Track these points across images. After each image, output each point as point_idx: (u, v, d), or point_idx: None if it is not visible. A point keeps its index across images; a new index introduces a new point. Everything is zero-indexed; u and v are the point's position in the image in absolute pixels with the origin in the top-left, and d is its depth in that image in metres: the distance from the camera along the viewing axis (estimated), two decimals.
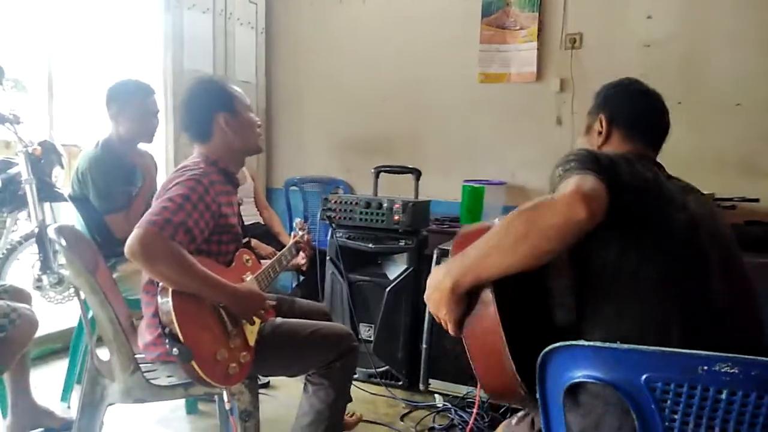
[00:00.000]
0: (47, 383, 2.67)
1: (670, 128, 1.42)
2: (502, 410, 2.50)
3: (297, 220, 2.35)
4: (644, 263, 1.11)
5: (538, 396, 1.06)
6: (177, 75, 3.59)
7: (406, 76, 3.95)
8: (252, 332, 1.75)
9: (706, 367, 0.87)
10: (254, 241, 2.61)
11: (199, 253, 1.69)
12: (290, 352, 1.86)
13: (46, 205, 3.06)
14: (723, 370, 0.86)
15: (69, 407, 2.53)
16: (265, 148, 4.26)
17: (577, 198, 1.01)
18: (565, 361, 0.99)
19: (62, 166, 3.21)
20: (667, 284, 1.11)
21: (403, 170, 3.22)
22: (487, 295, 1.12)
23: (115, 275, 2.25)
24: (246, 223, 2.34)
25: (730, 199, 2.86)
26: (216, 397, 1.90)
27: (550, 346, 1.00)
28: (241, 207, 2.02)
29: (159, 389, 1.72)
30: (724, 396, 0.88)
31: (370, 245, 2.98)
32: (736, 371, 0.85)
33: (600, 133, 1.41)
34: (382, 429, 2.54)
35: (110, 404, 1.76)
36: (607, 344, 0.96)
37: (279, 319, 1.92)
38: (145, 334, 1.75)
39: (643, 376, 0.91)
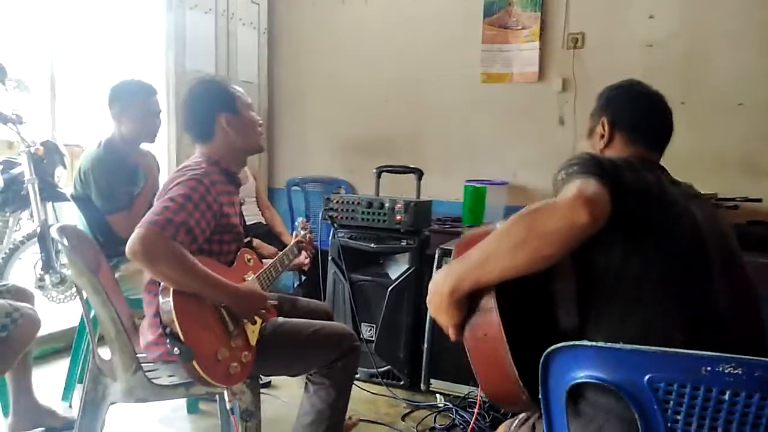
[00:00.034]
0: (49, 382, 2.67)
1: (673, 130, 1.41)
2: (503, 410, 2.49)
3: (299, 220, 2.35)
4: (647, 267, 1.10)
5: (540, 396, 1.05)
6: (179, 75, 3.59)
7: (408, 76, 3.95)
8: (253, 332, 1.75)
9: (709, 368, 0.87)
10: (256, 241, 2.62)
11: (200, 253, 1.69)
12: (292, 352, 1.86)
13: (49, 204, 3.07)
14: (726, 371, 0.86)
15: (70, 406, 2.53)
16: (266, 147, 4.26)
17: (580, 202, 1.00)
18: (568, 361, 0.99)
19: (65, 166, 3.22)
20: (669, 288, 1.10)
21: (405, 170, 3.22)
22: (489, 300, 1.11)
23: (117, 275, 2.25)
24: (248, 223, 2.34)
25: (733, 199, 2.85)
26: (217, 396, 1.90)
27: (553, 347, 0.99)
28: (242, 207, 2.02)
29: (160, 389, 1.72)
30: (727, 397, 0.87)
31: (372, 245, 2.98)
32: (740, 372, 0.85)
33: (602, 136, 1.40)
34: (383, 429, 2.53)
35: (112, 403, 1.76)
36: (609, 344, 0.95)
37: (281, 319, 1.92)
38: (146, 334, 1.75)
39: (646, 377, 0.91)
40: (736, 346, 0.99)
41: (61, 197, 3.11)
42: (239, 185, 1.96)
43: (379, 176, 3.22)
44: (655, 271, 1.10)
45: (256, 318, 1.74)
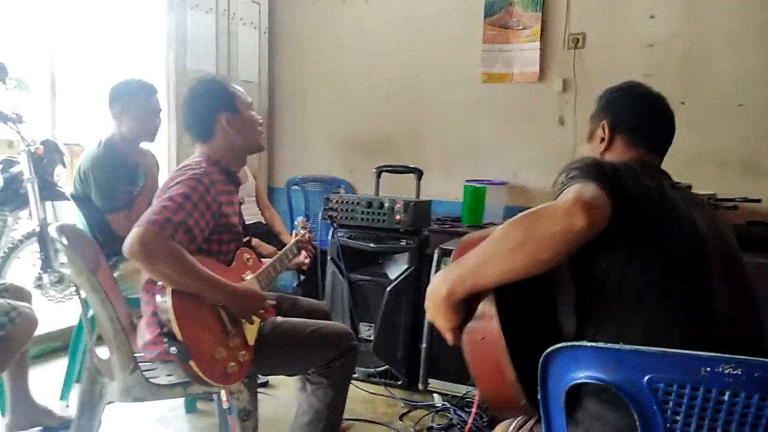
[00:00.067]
0: (46, 382, 2.67)
1: (675, 132, 1.40)
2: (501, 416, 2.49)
3: (299, 219, 2.34)
4: (648, 271, 1.10)
5: (539, 397, 1.05)
6: (180, 75, 3.59)
7: (408, 76, 3.95)
8: (251, 331, 1.75)
9: (709, 369, 0.86)
10: (255, 240, 2.61)
11: (199, 253, 1.68)
12: (290, 351, 1.86)
13: (48, 203, 3.06)
14: (726, 372, 0.85)
15: (68, 406, 2.52)
16: (267, 147, 4.26)
17: (578, 206, 0.99)
18: (568, 361, 0.98)
19: (64, 165, 3.21)
20: (669, 291, 1.10)
21: (404, 170, 3.22)
22: (488, 303, 1.10)
23: (115, 274, 2.25)
24: (247, 223, 2.34)
25: (732, 200, 2.85)
26: (215, 396, 1.89)
27: (553, 347, 0.99)
28: (242, 206, 2.02)
29: (158, 388, 1.71)
30: (726, 397, 0.87)
31: (371, 245, 2.97)
32: (739, 372, 0.85)
33: (602, 139, 1.39)
34: (381, 428, 2.53)
35: (109, 403, 1.75)
36: (609, 345, 0.95)
37: (279, 318, 1.91)
38: (144, 333, 1.75)
39: (646, 377, 0.90)
40: (735, 346, 0.99)
41: (61, 196, 3.10)
42: (239, 185, 1.96)
43: (378, 176, 3.21)
44: (656, 275, 1.10)
45: (254, 318, 1.74)
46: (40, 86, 3.40)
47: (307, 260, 2.28)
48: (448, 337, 1.16)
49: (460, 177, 3.51)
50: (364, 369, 2.93)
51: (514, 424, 1.31)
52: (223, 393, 1.72)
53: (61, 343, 3.09)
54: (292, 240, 2.22)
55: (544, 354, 1.00)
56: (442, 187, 3.66)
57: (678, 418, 0.91)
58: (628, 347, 0.93)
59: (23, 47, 3.51)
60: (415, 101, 3.95)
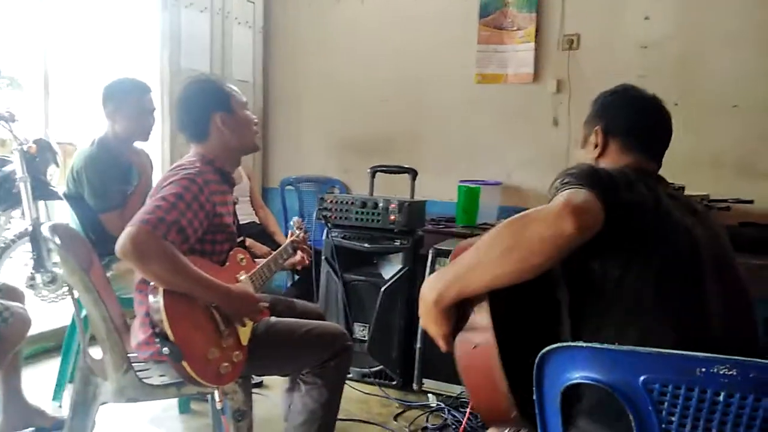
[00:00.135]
0: (39, 382, 2.65)
1: (672, 134, 1.38)
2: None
3: (295, 219, 2.33)
4: (644, 276, 1.09)
5: (534, 398, 1.04)
6: (174, 74, 3.58)
7: (403, 76, 3.95)
8: (245, 332, 1.74)
9: (704, 369, 0.86)
10: (249, 241, 2.61)
11: (192, 253, 1.68)
12: (284, 351, 1.85)
13: (41, 203, 3.05)
14: (721, 372, 0.85)
15: (61, 406, 2.51)
16: (261, 147, 4.25)
17: (567, 211, 0.99)
18: (563, 362, 0.98)
19: (57, 164, 3.19)
20: (665, 295, 1.09)
21: (399, 170, 3.22)
22: (483, 313, 1.08)
23: (109, 274, 2.24)
24: (241, 223, 2.33)
25: (725, 201, 2.86)
26: (209, 396, 1.89)
27: (548, 347, 0.99)
28: (236, 206, 2.01)
29: (151, 388, 1.70)
30: (721, 398, 0.87)
31: (366, 245, 2.97)
32: (734, 373, 0.85)
33: (596, 145, 1.37)
34: (376, 429, 2.53)
35: (102, 403, 1.74)
36: (605, 345, 0.95)
37: (273, 318, 1.91)
38: (137, 333, 1.74)
39: (641, 378, 0.91)
40: (729, 347, 0.99)
41: (54, 196, 3.08)
42: (233, 185, 1.95)
43: (373, 176, 3.21)
44: (653, 279, 1.09)
45: (245, 321, 1.73)
46: (33, 85, 3.38)
47: (307, 261, 2.27)
48: (441, 344, 1.16)
49: (455, 177, 3.51)
50: (358, 369, 2.93)
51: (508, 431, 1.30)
52: (216, 393, 1.71)
53: (54, 344, 3.07)
54: (288, 240, 2.21)
55: (539, 354, 1.00)
56: (436, 187, 3.66)
57: (673, 418, 0.91)
58: (623, 348, 0.93)
59: (16, 45, 3.49)
60: (410, 102, 3.95)
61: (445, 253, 2.74)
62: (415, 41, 3.90)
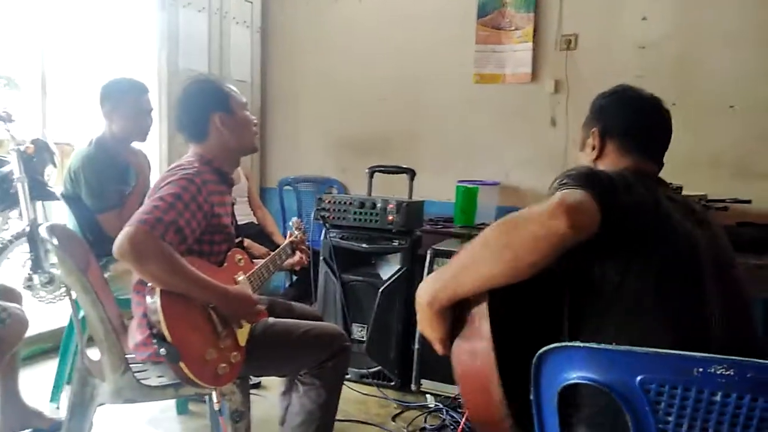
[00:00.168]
0: (37, 383, 2.64)
1: (671, 133, 1.37)
2: None
3: (293, 219, 2.33)
4: (645, 277, 1.09)
5: (531, 398, 1.04)
6: (172, 74, 3.58)
7: (401, 76, 3.95)
8: (243, 332, 1.74)
9: (701, 369, 0.86)
10: (247, 241, 2.60)
11: (190, 253, 1.67)
12: (282, 352, 1.85)
13: (38, 203, 3.04)
14: (719, 372, 0.85)
15: (58, 408, 2.50)
16: (259, 147, 4.25)
17: (560, 210, 0.99)
18: (561, 362, 0.98)
19: (54, 165, 3.19)
20: (665, 297, 1.09)
21: (397, 170, 3.22)
22: (482, 319, 1.06)
23: (106, 274, 2.23)
24: (239, 223, 2.33)
25: (722, 201, 2.86)
26: (206, 397, 1.88)
27: (546, 347, 0.99)
28: (234, 206, 2.01)
29: (149, 389, 1.70)
30: (718, 398, 0.87)
31: (364, 245, 2.97)
32: (732, 373, 0.85)
33: (593, 147, 1.36)
34: (374, 429, 2.53)
35: (100, 405, 1.74)
36: (602, 345, 0.95)
37: (271, 319, 1.90)
38: (135, 334, 1.73)
39: (638, 378, 0.91)
40: (728, 347, 0.99)
41: (51, 196, 3.08)
42: (232, 185, 1.95)
43: (371, 176, 3.21)
44: (653, 280, 1.09)
45: (242, 322, 1.72)
46: (31, 85, 3.37)
47: (305, 261, 2.26)
48: (438, 347, 1.15)
49: (453, 177, 3.51)
50: (356, 370, 2.93)
51: None
52: (214, 394, 1.71)
53: (51, 345, 3.07)
54: (287, 240, 2.21)
55: (537, 354, 1.00)
56: (434, 187, 3.66)
57: (670, 418, 0.91)
58: (620, 348, 0.93)
59: (13, 45, 3.48)
60: (408, 101, 3.95)
61: (443, 254, 2.75)
62: (413, 40, 3.90)
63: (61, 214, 2.79)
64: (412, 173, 3.15)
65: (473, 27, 3.70)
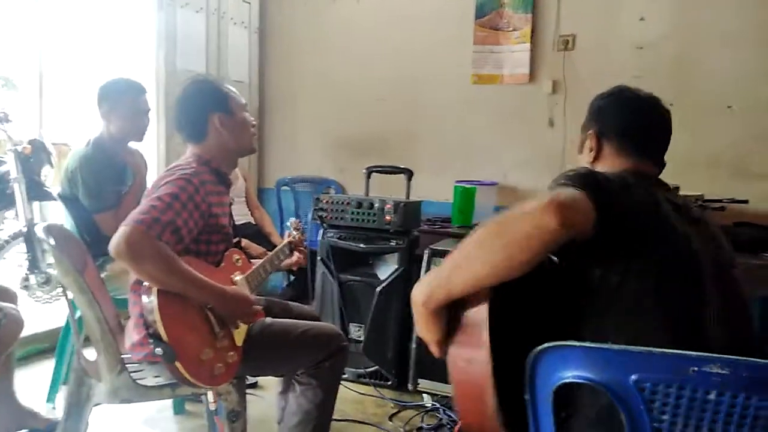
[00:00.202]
0: (33, 384, 2.64)
1: (671, 133, 1.36)
2: None
3: (291, 220, 2.32)
4: (645, 278, 1.09)
5: (527, 397, 1.04)
6: (169, 74, 3.57)
7: (399, 76, 3.95)
8: (240, 333, 1.74)
9: (696, 368, 0.86)
10: (245, 241, 2.59)
11: (187, 253, 1.67)
12: (280, 352, 1.84)
13: (35, 203, 3.04)
14: (714, 371, 0.85)
15: (54, 408, 2.49)
16: (257, 147, 4.25)
17: (552, 207, 0.98)
18: (555, 361, 0.98)
19: (51, 165, 3.18)
20: (665, 298, 1.09)
21: (395, 170, 3.22)
22: (480, 326, 1.05)
23: (103, 274, 2.23)
24: (237, 223, 2.33)
25: (720, 201, 2.87)
26: (203, 397, 1.88)
27: (541, 346, 0.98)
28: (231, 207, 2.00)
29: (146, 389, 1.70)
30: (713, 397, 0.87)
31: (361, 245, 2.97)
32: (727, 372, 0.85)
33: (591, 149, 1.36)
34: (371, 429, 2.53)
35: (96, 405, 1.74)
36: (597, 345, 0.95)
37: (268, 319, 1.90)
38: (132, 334, 1.73)
39: (632, 377, 0.91)
40: (726, 347, 0.99)
41: (48, 196, 3.08)
42: (229, 186, 1.95)
43: (369, 176, 3.21)
44: (653, 281, 1.09)
45: (238, 323, 1.72)
46: (28, 85, 3.37)
47: (303, 261, 2.26)
48: (434, 350, 1.14)
49: (450, 177, 3.51)
50: (353, 369, 2.93)
51: None
52: (210, 394, 1.71)
53: (47, 345, 3.06)
54: (285, 240, 2.21)
55: (532, 353, 1.00)
56: (432, 187, 3.66)
57: (665, 417, 0.91)
58: (615, 346, 0.93)
59: (11, 46, 3.48)
60: (406, 102, 3.95)
61: (441, 254, 2.75)
62: (411, 41, 3.90)
63: (58, 214, 2.78)
64: (409, 173, 3.15)
65: (471, 27, 3.70)
